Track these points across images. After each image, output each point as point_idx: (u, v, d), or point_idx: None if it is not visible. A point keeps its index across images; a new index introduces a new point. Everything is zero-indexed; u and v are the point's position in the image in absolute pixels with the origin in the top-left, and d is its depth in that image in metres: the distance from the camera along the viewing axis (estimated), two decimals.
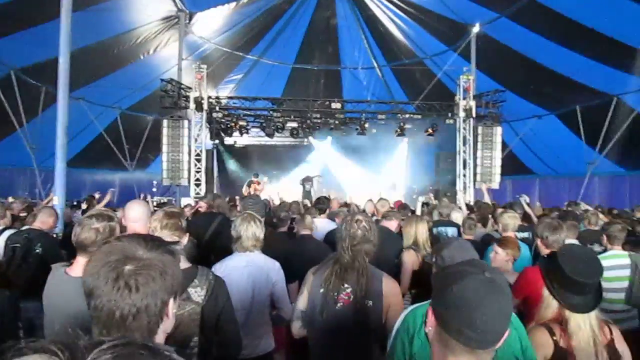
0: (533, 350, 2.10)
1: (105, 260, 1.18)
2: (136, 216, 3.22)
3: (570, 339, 2.19)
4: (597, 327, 2.23)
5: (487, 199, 8.11)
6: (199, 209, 6.81)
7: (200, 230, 5.65)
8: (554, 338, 2.22)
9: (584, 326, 2.20)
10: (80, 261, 2.40)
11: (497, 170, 13.58)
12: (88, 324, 1.21)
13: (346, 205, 9.39)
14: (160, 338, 1.24)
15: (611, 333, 2.28)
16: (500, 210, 5.97)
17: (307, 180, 15.92)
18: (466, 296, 1.26)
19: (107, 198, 8.45)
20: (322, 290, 2.69)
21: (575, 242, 4.75)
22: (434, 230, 5.99)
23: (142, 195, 10.54)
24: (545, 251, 3.42)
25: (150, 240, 1.27)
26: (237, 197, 10.26)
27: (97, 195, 8.78)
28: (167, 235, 2.56)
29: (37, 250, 4.47)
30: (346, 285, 2.65)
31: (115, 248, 1.21)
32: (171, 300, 1.24)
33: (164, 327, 1.25)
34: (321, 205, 6.59)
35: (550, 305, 2.31)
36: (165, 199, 13.31)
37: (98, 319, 1.18)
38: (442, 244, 2.49)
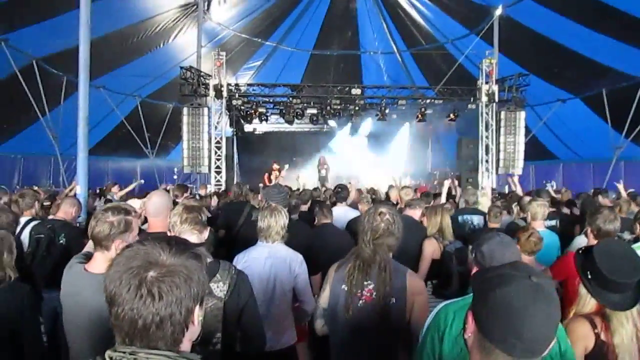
0: (572, 350, 2.01)
1: (127, 265, 1.12)
2: (156, 211, 3.18)
3: (613, 336, 2.11)
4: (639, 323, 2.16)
5: (518, 190, 7.93)
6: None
7: (232, 218, 5.66)
8: (595, 331, 2.14)
9: (627, 323, 2.13)
10: (98, 257, 2.34)
11: (521, 155, 13.27)
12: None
13: (372, 191, 9.25)
14: (185, 347, 1.19)
15: None
16: (528, 198, 5.83)
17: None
18: (511, 302, 1.16)
19: (130, 188, 8.47)
20: (344, 287, 2.57)
21: None
22: (459, 218, 5.85)
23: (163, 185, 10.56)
24: (593, 242, 3.29)
25: (175, 244, 1.20)
26: (260, 185, 10.26)
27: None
28: (187, 230, 2.52)
29: (61, 241, 4.48)
30: (368, 282, 2.53)
31: (138, 253, 1.15)
32: (197, 308, 1.18)
33: (190, 335, 1.19)
34: (341, 193, 6.49)
35: (588, 303, 2.23)
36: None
37: (120, 328, 1.13)
38: (482, 239, 2.31)
